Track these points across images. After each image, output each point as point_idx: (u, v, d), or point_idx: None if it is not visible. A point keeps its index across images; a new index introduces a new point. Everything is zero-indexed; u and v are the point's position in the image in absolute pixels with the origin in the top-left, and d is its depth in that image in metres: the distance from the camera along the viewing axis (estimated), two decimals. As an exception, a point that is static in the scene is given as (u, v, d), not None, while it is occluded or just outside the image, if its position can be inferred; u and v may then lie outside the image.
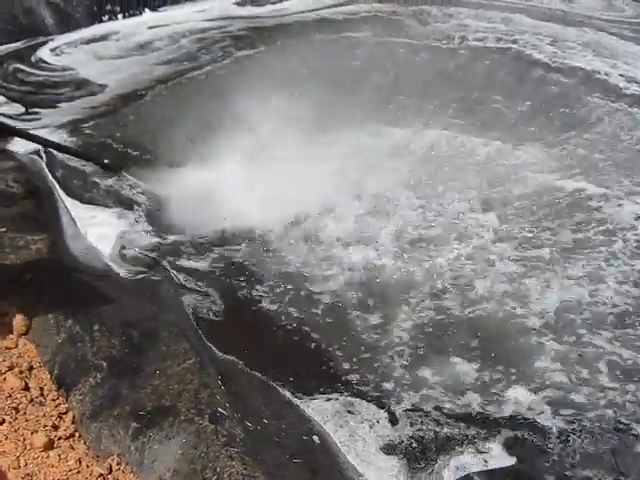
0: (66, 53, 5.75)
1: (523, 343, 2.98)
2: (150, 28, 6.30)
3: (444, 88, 5.20)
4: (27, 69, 5.38)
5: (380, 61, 5.59)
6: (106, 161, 3.56)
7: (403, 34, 6.19)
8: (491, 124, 4.79)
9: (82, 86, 5.21)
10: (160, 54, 5.81)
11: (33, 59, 5.57)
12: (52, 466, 2.09)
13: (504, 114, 4.93)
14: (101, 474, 2.08)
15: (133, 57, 5.73)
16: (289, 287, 3.24)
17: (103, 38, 6.07)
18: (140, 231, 3.49)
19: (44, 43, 5.86)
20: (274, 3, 6.85)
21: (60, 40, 5.95)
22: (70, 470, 2.09)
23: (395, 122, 4.78)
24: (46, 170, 3.85)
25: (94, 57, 5.70)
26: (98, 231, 3.41)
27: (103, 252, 3.25)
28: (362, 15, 6.61)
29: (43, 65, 5.47)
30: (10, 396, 2.25)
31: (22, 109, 4.75)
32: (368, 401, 2.61)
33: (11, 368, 2.35)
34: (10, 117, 4.58)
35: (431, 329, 3.04)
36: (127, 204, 3.69)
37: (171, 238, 3.50)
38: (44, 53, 5.70)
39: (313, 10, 6.71)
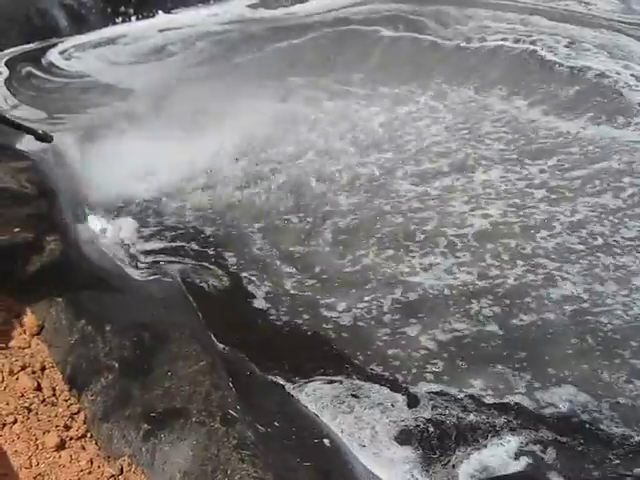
0: (77, 57, 5.80)
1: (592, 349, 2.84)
2: (160, 31, 6.35)
3: (481, 72, 5.58)
4: (43, 75, 5.43)
5: (411, 52, 5.90)
6: (40, 131, 3.58)
7: (425, 32, 6.34)
8: (545, 105, 5.02)
9: (108, 92, 5.23)
10: (179, 57, 5.87)
11: (46, 63, 5.63)
12: (64, 466, 2.11)
13: (554, 98, 5.12)
14: (112, 475, 2.10)
15: (151, 62, 5.76)
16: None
17: (111, 41, 6.10)
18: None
19: (53, 46, 5.92)
20: (286, 6, 6.91)
21: (68, 43, 6.00)
22: (81, 470, 2.11)
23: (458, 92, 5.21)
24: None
25: (109, 62, 5.73)
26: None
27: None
28: (383, 14, 6.71)
29: (59, 71, 5.51)
30: (22, 396, 2.27)
31: (43, 114, 4.83)
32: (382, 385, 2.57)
33: (24, 368, 2.37)
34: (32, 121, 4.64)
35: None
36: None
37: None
38: (55, 57, 5.75)
39: (331, 10, 6.81)
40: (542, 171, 4.22)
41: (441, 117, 4.94)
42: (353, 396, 2.45)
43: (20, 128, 3.72)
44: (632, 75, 5.28)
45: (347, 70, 5.45)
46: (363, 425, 2.36)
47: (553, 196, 3.94)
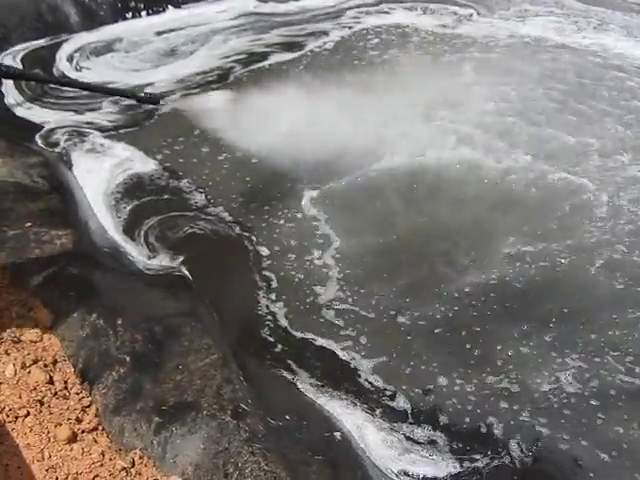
0: (87, 68, 5.64)
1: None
2: (167, 32, 6.23)
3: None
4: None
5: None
6: (143, 94, 3.80)
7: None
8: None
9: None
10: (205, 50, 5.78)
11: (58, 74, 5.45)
12: (75, 459, 2.18)
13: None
14: (124, 467, 2.17)
15: (172, 62, 5.62)
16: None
17: (109, 48, 5.94)
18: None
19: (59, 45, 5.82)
20: (297, 0, 6.88)
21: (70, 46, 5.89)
22: (93, 463, 2.18)
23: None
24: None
25: (124, 69, 5.58)
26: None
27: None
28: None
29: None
30: (35, 389, 2.35)
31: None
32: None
33: (36, 362, 2.46)
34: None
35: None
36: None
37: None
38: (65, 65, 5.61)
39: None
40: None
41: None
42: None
43: (120, 94, 3.91)
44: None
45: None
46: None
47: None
